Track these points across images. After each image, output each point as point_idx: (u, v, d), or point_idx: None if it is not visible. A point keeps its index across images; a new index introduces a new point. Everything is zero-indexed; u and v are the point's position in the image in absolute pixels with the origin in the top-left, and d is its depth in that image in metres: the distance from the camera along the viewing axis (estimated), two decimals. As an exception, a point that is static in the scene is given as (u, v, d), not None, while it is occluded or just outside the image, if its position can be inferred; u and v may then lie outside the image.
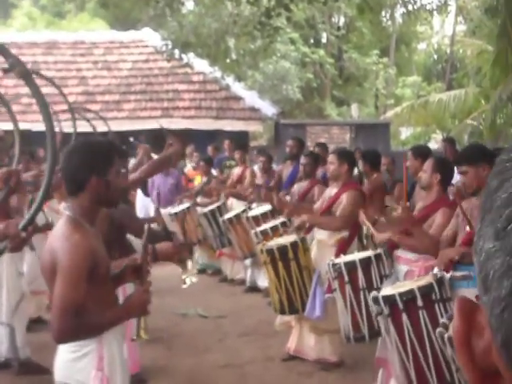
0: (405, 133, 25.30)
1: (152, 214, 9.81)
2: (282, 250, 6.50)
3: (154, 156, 7.30)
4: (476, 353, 0.61)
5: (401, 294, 4.49)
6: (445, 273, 4.63)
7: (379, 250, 5.65)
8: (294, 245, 6.51)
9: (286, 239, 6.70)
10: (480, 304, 0.61)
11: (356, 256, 5.77)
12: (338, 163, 6.64)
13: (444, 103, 16.56)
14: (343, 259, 5.76)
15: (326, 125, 25.20)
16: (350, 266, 5.60)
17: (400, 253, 5.55)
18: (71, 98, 16.97)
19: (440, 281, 4.54)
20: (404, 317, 4.48)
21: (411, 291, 4.49)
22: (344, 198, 6.52)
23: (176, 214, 10.23)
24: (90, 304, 3.17)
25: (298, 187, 8.49)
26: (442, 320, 3.88)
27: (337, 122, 25.59)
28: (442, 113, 17.27)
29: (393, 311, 4.51)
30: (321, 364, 6.64)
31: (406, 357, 4.52)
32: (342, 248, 6.38)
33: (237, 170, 11.15)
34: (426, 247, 5.23)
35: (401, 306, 4.47)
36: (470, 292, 4.32)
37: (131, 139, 9.93)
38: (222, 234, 10.14)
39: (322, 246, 6.66)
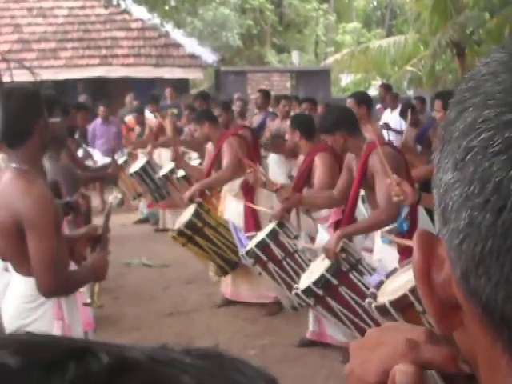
0: (345, 79, 25.37)
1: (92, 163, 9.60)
2: (189, 224, 6.50)
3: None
4: (436, 285, 0.61)
5: (315, 283, 4.57)
6: (346, 241, 4.71)
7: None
8: (196, 214, 6.51)
9: (185, 215, 6.67)
10: (440, 237, 0.60)
11: (262, 234, 5.78)
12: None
13: (384, 50, 16.59)
14: (252, 243, 5.76)
15: (266, 72, 25.09)
16: (262, 245, 5.63)
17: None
18: (6, 47, 16.55)
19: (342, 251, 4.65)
20: (329, 299, 4.60)
21: (322, 276, 4.59)
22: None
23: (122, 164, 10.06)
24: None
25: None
26: (370, 290, 3.98)
27: (277, 68, 25.46)
28: (381, 59, 17.34)
29: (317, 299, 4.62)
30: (265, 309, 6.74)
31: (348, 327, 4.66)
32: (248, 192, 6.53)
33: (155, 122, 10.86)
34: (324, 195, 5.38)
35: (321, 292, 4.57)
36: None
37: None
38: (158, 187, 9.98)
39: (227, 194, 6.82)
